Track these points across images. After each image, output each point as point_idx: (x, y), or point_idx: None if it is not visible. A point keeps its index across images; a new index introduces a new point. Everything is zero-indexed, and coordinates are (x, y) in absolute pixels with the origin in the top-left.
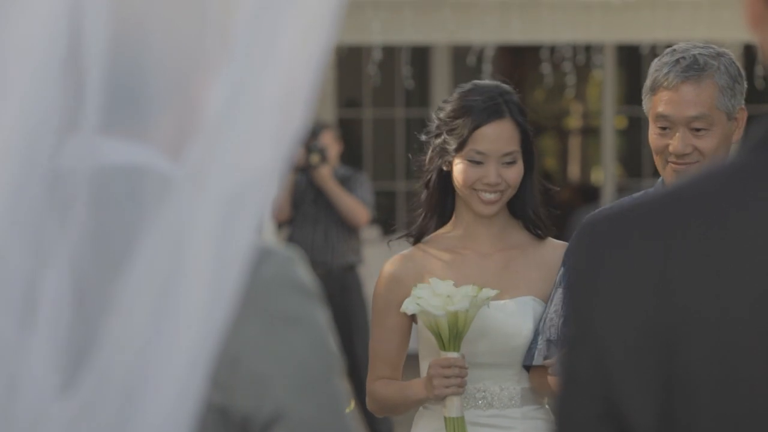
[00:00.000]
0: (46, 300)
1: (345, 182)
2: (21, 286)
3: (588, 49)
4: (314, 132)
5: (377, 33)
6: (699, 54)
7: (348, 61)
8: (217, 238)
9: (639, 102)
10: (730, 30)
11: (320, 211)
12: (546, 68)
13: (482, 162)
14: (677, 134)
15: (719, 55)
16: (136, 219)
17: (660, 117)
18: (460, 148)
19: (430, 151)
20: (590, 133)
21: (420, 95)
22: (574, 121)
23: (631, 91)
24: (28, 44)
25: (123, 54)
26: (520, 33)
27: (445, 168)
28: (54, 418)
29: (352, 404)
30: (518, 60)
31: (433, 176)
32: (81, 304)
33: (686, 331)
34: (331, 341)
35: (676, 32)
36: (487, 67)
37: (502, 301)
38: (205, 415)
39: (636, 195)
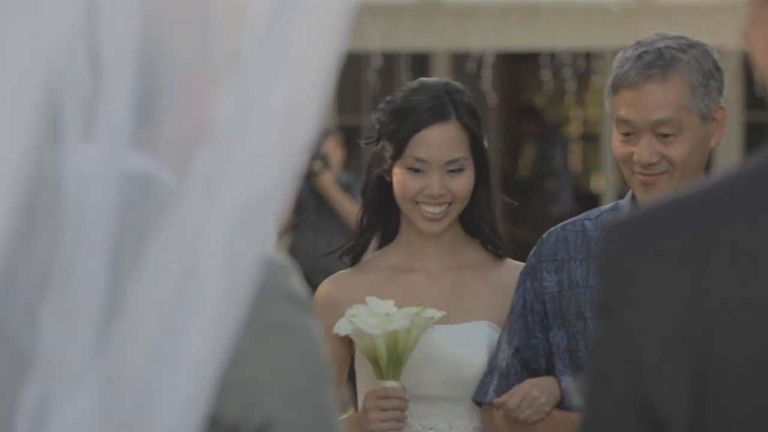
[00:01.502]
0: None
1: (347, 189)
2: (31, 294)
3: (588, 55)
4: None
5: (376, 39)
6: (665, 47)
7: (347, 68)
8: (229, 247)
9: None
10: (731, 36)
11: (322, 218)
12: (546, 75)
13: (423, 170)
14: (642, 141)
15: (690, 46)
16: (147, 227)
17: (622, 122)
18: (398, 155)
19: (369, 160)
20: (590, 139)
21: None
22: (574, 128)
23: None
24: (40, 53)
25: (140, 65)
26: (519, 39)
27: (387, 178)
28: (62, 420)
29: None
30: (518, 67)
31: (374, 187)
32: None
33: (720, 328)
34: (323, 351)
35: None
36: (487, 74)
37: (453, 326)
38: None
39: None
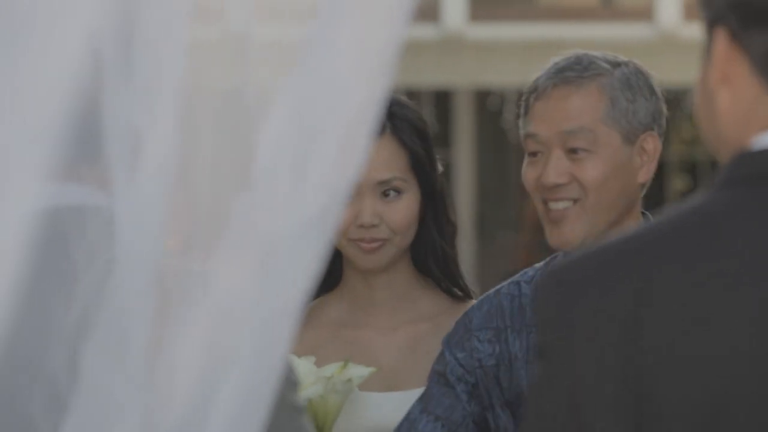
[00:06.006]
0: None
1: None
2: (71, 333)
3: None
4: None
5: (399, 76)
6: (585, 54)
7: None
8: (270, 285)
9: None
10: None
11: None
12: None
13: (353, 196)
14: (549, 160)
15: (622, 64)
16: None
17: (528, 137)
18: None
19: None
20: None
21: (443, 138)
22: None
23: None
24: (43, 95)
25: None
26: None
27: None
28: None
29: None
30: None
31: None
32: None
33: (660, 375)
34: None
35: (691, 73)
36: (510, 110)
37: (405, 393)
38: None
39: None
